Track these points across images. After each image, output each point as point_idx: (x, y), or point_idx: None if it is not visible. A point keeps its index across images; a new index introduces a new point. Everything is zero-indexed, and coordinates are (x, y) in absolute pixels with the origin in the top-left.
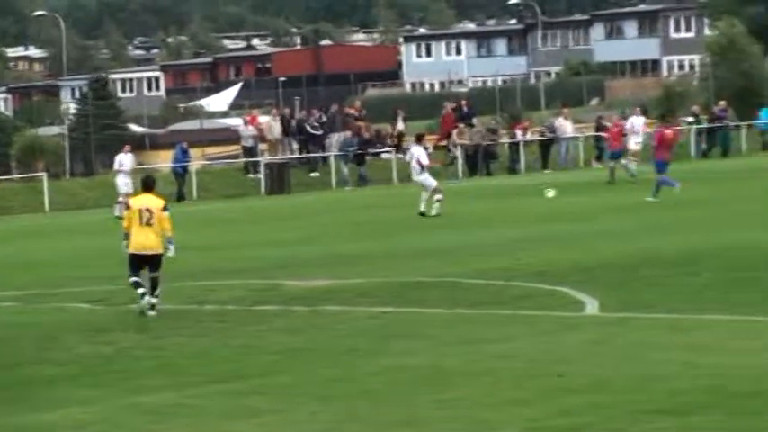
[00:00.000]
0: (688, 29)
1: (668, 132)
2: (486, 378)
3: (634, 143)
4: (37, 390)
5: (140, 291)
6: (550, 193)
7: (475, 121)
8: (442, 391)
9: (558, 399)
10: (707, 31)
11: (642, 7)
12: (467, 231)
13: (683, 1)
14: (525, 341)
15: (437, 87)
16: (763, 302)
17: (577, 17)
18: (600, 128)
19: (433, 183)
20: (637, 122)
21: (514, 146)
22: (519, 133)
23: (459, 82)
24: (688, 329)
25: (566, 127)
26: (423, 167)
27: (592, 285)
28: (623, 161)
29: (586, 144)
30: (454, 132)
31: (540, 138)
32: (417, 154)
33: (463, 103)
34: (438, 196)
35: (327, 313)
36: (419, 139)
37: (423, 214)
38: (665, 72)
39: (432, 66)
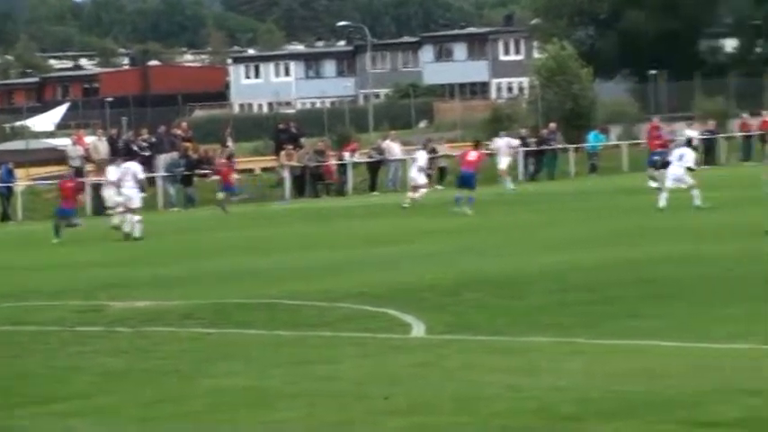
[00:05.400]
0: (517, 51)
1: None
2: (308, 400)
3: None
4: None
5: None
6: None
7: (303, 141)
8: (264, 413)
9: (383, 421)
10: (536, 54)
11: (471, 30)
12: (291, 253)
13: (510, 24)
14: (350, 363)
15: (265, 108)
16: (585, 324)
17: (406, 39)
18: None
19: None
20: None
21: (342, 167)
22: (347, 155)
23: (288, 103)
24: (513, 352)
25: (394, 149)
26: None
27: (417, 307)
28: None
29: None
30: (282, 154)
31: (369, 160)
32: None
33: (291, 124)
34: None
35: (151, 335)
36: None
37: None
38: (493, 94)
39: (260, 87)
